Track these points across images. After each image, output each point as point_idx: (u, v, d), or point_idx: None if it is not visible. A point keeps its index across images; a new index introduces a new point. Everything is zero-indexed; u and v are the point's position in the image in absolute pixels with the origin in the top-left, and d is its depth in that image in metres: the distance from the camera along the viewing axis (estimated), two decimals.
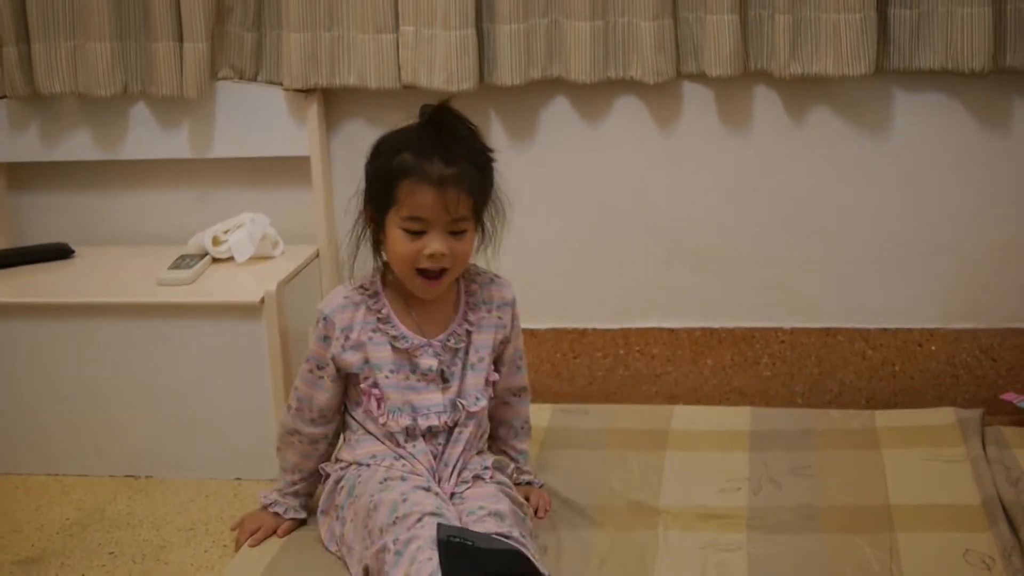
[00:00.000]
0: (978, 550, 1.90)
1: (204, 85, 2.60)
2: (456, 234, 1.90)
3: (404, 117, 1.95)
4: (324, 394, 2.00)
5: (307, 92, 2.60)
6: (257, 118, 2.64)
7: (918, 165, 2.52)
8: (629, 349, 2.67)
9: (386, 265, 2.00)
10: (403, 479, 1.89)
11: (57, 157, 2.74)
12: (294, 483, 2.06)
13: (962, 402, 2.56)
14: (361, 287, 2.00)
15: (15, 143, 2.74)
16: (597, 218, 2.64)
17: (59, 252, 2.71)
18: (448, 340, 1.98)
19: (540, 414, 2.45)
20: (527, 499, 2.06)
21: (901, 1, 2.40)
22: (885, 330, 2.59)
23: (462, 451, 1.97)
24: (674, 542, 1.99)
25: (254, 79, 2.66)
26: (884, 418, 2.41)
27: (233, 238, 2.59)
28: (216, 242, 2.60)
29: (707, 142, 2.57)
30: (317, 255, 2.67)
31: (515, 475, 2.10)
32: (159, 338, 2.42)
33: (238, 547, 2.04)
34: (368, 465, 1.95)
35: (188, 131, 2.68)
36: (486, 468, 1.99)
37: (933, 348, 2.58)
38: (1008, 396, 2.43)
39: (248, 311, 2.38)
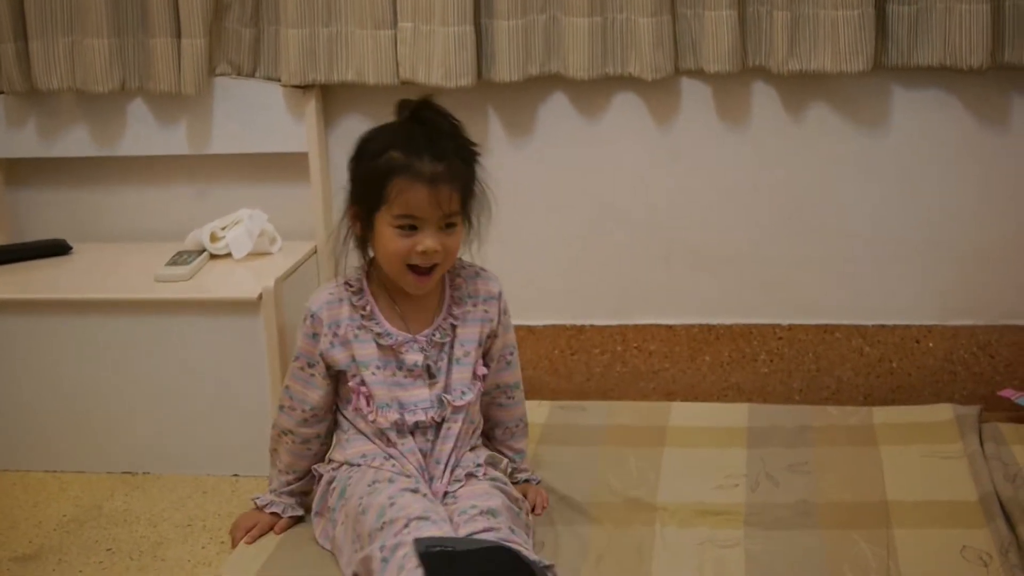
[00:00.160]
0: (975, 546, 1.90)
1: (202, 81, 2.60)
2: (447, 228, 1.90)
3: None
4: (317, 392, 1.99)
5: (305, 88, 2.60)
6: (255, 114, 2.64)
7: (916, 161, 2.52)
8: (627, 346, 2.67)
9: (371, 262, 2.00)
10: (391, 480, 1.89)
11: (55, 153, 2.73)
12: (288, 483, 2.06)
13: (960, 399, 2.56)
14: (347, 284, 1.99)
15: (13, 139, 2.73)
16: (595, 214, 2.64)
17: (57, 248, 2.71)
18: (433, 335, 1.98)
19: (538, 410, 2.45)
20: (524, 496, 2.05)
21: None
22: (883, 327, 2.59)
23: (453, 447, 1.96)
24: (671, 538, 1.98)
25: (252, 75, 2.66)
26: (882, 415, 2.41)
27: (231, 234, 2.59)
28: (214, 238, 2.60)
29: (705, 138, 2.57)
30: (315, 251, 2.67)
31: (512, 473, 2.09)
32: (157, 334, 2.42)
33: (235, 545, 2.04)
34: (359, 465, 1.95)
35: (186, 127, 2.68)
36: (479, 465, 1.98)
37: (931, 345, 2.58)
38: (1006, 392, 2.43)
39: (246, 307, 2.38)
